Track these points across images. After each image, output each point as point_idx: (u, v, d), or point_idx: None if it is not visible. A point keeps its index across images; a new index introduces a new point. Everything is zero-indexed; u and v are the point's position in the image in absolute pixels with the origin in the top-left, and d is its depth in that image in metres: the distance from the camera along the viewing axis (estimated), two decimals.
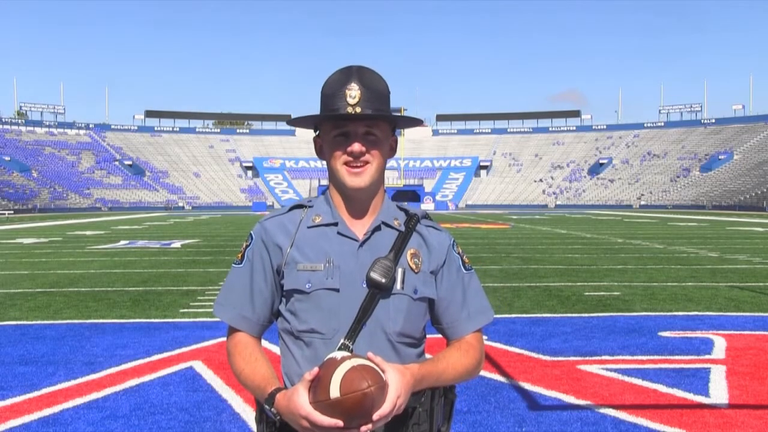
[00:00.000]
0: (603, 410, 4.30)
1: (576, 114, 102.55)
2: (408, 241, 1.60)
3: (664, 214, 50.67)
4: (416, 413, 1.50)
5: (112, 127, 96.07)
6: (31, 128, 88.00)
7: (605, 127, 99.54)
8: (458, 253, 1.67)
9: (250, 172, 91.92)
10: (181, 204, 77.74)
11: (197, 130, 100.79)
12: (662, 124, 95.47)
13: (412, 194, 72.91)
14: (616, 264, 13.30)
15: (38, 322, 7.38)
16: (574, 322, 7.29)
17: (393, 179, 79.78)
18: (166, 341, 6.35)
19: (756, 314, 7.73)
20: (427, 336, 1.68)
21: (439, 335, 1.68)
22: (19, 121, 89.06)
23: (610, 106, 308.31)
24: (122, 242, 20.33)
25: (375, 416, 1.34)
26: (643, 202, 75.44)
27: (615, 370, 5.24)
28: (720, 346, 6.10)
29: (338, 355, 1.40)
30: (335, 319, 1.53)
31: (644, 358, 5.67)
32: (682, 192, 76.08)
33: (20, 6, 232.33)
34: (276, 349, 1.65)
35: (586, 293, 9.34)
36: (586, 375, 5.13)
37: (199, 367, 5.40)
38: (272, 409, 1.45)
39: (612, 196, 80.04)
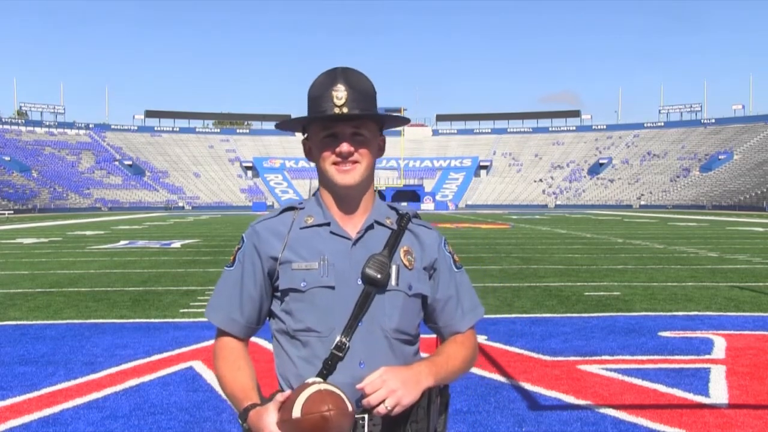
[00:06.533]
0: (603, 410, 4.30)
1: (576, 114, 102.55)
2: (401, 239, 1.62)
3: (664, 214, 50.66)
4: (414, 411, 1.51)
5: (112, 127, 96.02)
6: (31, 128, 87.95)
7: (605, 127, 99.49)
8: (449, 252, 1.70)
9: (250, 172, 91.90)
10: (181, 204, 77.71)
11: (197, 130, 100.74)
12: (662, 124, 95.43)
13: (412, 194, 72.89)
14: (616, 264, 13.30)
15: (38, 322, 7.38)
16: (574, 322, 7.29)
17: (393, 179, 79.82)
18: (166, 341, 6.36)
19: (756, 314, 7.73)
20: (420, 335, 1.69)
21: (432, 335, 1.70)
22: (19, 121, 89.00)
23: (610, 106, 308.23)
24: (122, 242, 20.33)
25: (364, 401, 1.42)
26: (643, 202, 75.41)
27: (615, 370, 5.24)
28: (720, 346, 6.10)
29: (311, 379, 1.44)
30: (331, 316, 1.54)
31: (644, 358, 5.67)
32: (682, 192, 76.06)
33: (20, 6, 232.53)
34: (269, 347, 1.67)
35: (586, 293, 9.34)
36: (586, 375, 5.13)
37: (199, 367, 5.41)
38: (244, 425, 1.47)
39: (612, 196, 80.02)
